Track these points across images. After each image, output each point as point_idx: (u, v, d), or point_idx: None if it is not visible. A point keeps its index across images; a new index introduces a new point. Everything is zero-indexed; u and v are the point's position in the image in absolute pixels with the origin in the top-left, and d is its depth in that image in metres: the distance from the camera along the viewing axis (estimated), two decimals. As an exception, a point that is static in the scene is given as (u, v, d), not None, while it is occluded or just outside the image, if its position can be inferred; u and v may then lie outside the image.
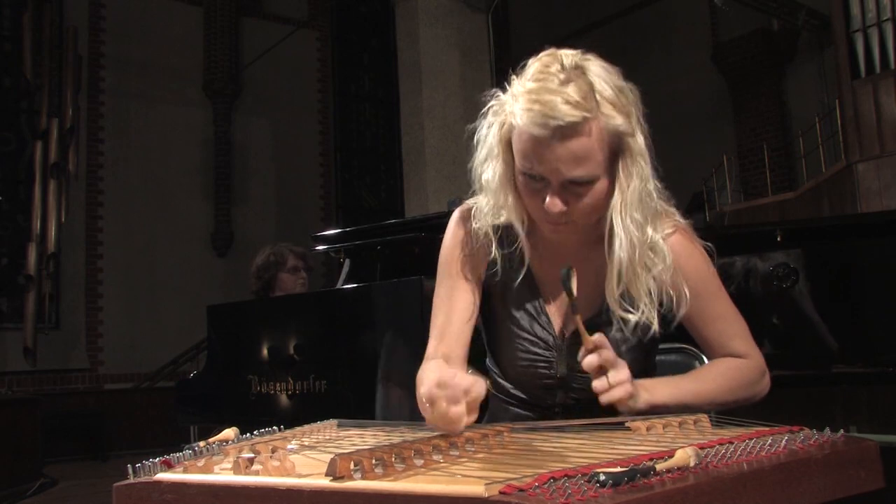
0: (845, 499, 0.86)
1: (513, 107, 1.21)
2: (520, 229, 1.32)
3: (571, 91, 1.16)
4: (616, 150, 1.22)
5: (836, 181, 7.20)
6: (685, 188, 9.06)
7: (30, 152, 8.76)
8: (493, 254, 1.37)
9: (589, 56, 1.23)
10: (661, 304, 1.29)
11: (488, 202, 1.34)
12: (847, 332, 2.46)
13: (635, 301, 1.27)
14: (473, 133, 1.33)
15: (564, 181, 1.20)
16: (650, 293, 1.26)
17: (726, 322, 1.33)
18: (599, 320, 1.31)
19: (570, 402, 1.34)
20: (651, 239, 1.26)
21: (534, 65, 1.23)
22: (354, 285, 2.97)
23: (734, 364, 1.32)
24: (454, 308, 1.39)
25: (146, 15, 9.89)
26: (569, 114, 1.14)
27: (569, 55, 1.22)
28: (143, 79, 9.82)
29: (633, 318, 1.26)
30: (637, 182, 1.22)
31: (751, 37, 10.02)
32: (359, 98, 12.07)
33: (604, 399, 1.13)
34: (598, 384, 1.13)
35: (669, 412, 1.18)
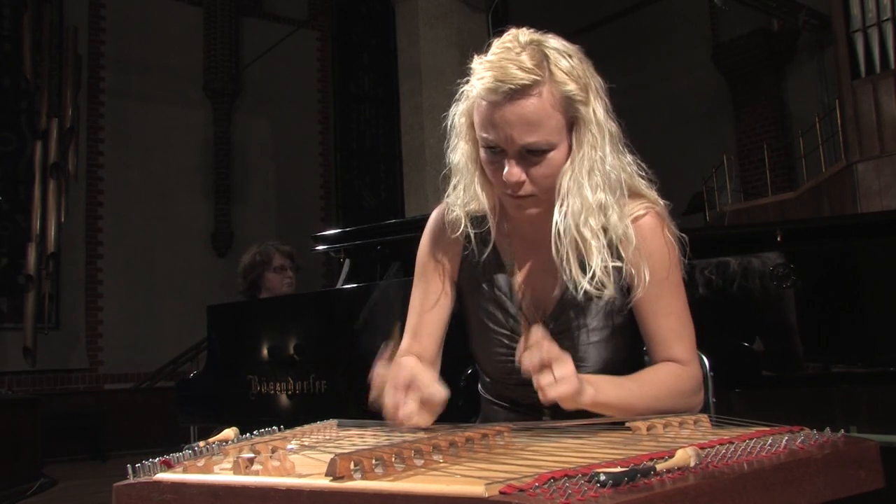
0: (845, 499, 0.86)
1: (472, 86, 1.24)
2: (489, 213, 1.32)
3: (524, 58, 1.19)
4: (571, 118, 1.22)
5: (836, 181, 7.20)
6: (685, 188, 9.06)
7: (30, 152, 8.75)
8: (468, 250, 1.37)
9: (549, 35, 1.26)
10: (618, 279, 1.26)
11: (457, 186, 1.34)
12: (847, 332, 2.46)
13: (584, 264, 1.24)
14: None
15: (520, 149, 1.20)
16: (598, 253, 1.23)
17: (677, 321, 1.29)
18: (564, 303, 1.30)
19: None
20: (599, 201, 1.23)
21: (493, 44, 1.26)
22: (354, 285, 2.97)
23: (675, 371, 1.27)
24: (426, 308, 1.40)
25: (146, 15, 9.89)
26: (519, 77, 1.17)
27: (526, 33, 1.25)
28: (143, 79, 9.82)
29: (584, 281, 1.23)
30: (588, 150, 1.22)
31: (751, 37, 10.02)
32: (359, 98, 12.08)
33: (549, 395, 1.07)
34: (542, 380, 1.08)
35: (612, 411, 1.16)
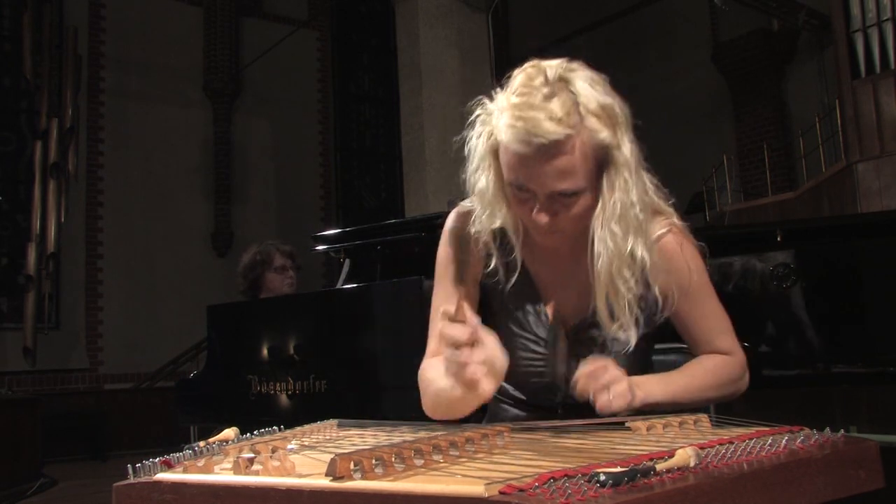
0: (845, 499, 0.86)
1: (498, 120, 1.22)
2: (513, 235, 1.33)
3: (555, 107, 1.16)
4: (601, 162, 1.22)
5: (836, 181, 7.20)
6: (685, 188, 9.05)
7: (30, 152, 8.75)
8: (490, 256, 1.38)
9: (574, 66, 1.22)
10: (645, 308, 1.31)
11: (484, 210, 1.34)
12: (847, 332, 2.46)
13: (615, 313, 1.28)
14: (464, 141, 1.33)
15: (551, 193, 1.21)
16: (628, 306, 1.27)
17: (714, 320, 1.38)
18: (589, 322, 1.35)
19: (571, 401, 1.33)
20: (631, 249, 1.25)
21: (518, 77, 1.23)
22: (354, 285, 2.97)
23: (720, 360, 1.36)
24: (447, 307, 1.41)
25: (146, 15, 9.89)
26: (552, 131, 1.15)
27: (553, 66, 1.21)
28: (143, 79, 9.82)
29: (613, 327, 1.29)
30: (619, 194, 1.23)
31: (751, 37, 10.02)
32: (359, 98, 12.08)
33: (606, 412, 1.15)
34: (601, 401, 1.15)
35: (662, 407, 1.24)
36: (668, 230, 1.34)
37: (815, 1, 8.92)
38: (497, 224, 1.34)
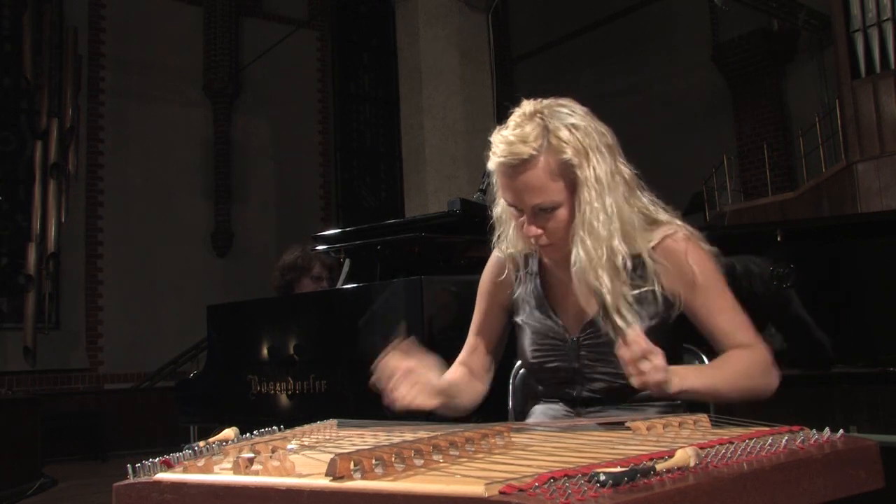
0: (845, 499, 0.86)
1: (491, 155, 1.45)
2: (526, 248, 1.57)
3: (525, 131, 1.40)
4: (571, 180, 1.41)
5: (836, 181, 7.20)
6: (685, 188, 9.05)
7: (30, 152, 8.75)
8: (518, 271, 1.62)
9: (563, 101, 1.45)
10: (646, 305, 1.46)
11: (500, 234, 1.60)
12: (847, 332, 2.46)
13: (606, 309, 1.37)
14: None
15: (533, 208, 1.43)
16: (615, 302, 1.36)
17: (731, 314, 1.46)
18: (596, 319, 1.47)
19: (588, 394, 1.50)
20: (607, 254, 1.41)
21: (513, 112, 1.47)
22: (354, 285, 2.97)
23: (746, 352, 1.43)
24: (477, 329, 1.69)
25: (146, 15, 9.89)
26: (520, 151, 1.39)
27: (534, 102, 1.45)
28: (143, 79, 9.82)
29: (621, 323, 1.36)
30: (586, 207, 1.41)
31: (751, 37, 10.01)
32: (359, 98, 12.07)
33: (644, 380, 1.23)
34: (642, 366, 1.23)
35: (699, 397, 1.34)
36: (670, 235, 1.47)
37: (815, 1, 8.91)
38: (520, 245, 1.57)
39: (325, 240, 3.24)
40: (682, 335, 1.53)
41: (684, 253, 1.46)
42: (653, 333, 1.41)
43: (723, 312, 1.45)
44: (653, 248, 1.46)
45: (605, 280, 1.39)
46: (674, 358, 1.49)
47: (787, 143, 9.78)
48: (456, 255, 2.86)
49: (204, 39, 10.30)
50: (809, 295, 2.44)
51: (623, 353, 1.25)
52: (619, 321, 1.31)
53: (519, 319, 1.60)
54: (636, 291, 1.44)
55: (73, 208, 8.87)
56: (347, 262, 3.12)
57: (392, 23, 6.77)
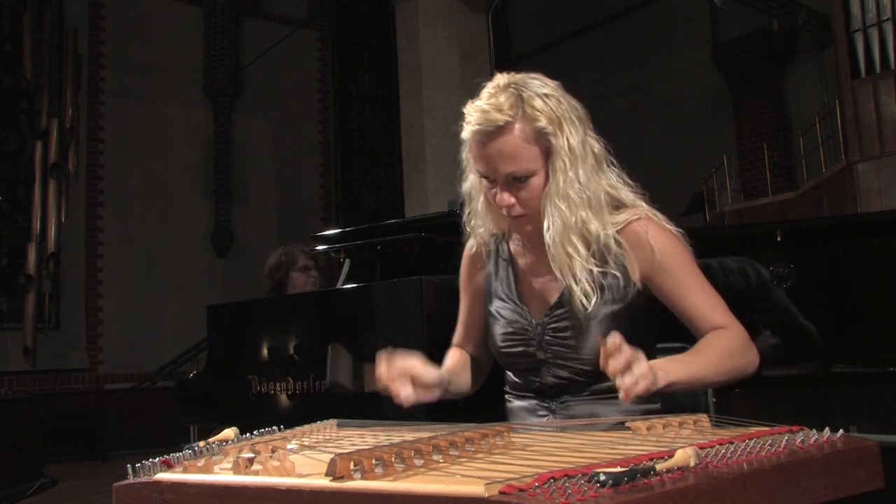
0: (845, 499, 0.86)
1: (464, 126, 1.45)
2: (495, 227, 1.55)
3: (500, 100, 1.40)
4: (545, 148, 1.41)
5: (836, 181, 7.20)
6: (685, 188, 9.05)
7: (30, 152, 8.75)
8: (489, 255, 1.60)
9: (531, 75, 1.45)
10: (609, 280, 1.44)
11: (470, 211, 1.57)
12: (847, 332, 2.46)
13: (575, 276, 1.42)
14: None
15: (505, 177, 1.42)
16: (585, 271, 1.42)
17: (703, 294, 1.45)
18: (564, 298, 1.47)
19: (554, 380, 1.48)
20: (580, 222, 1.42)
21: (485, 87, 1.46)
22: (354, 285, 2.97)
23: (723, 333, 1.42)
24: (463, 317, 1.70)
25: (146, 15, 9.89)
26: (495, 119, 1.39)
27: (506, 77, 1.45)
28: (143, 79, 9.82)
29: (576, 290, 1.42)
30: (560, 175, 1.41)
31: (751, 37, 10.01)
32: (359, 98, 12.07)
33: (632, 394, 1.18)
34: (627, 381, 1.18)
35: (685, 386, 1.31)
36: (635, 219, 1.47)
37: (815, 1, 8.91)
38: (489, 224, 1.55)
39: (325, 240, 3.24)
40: (651, 321, 1.51)
41: (646, 235, 1.45)
42: (617, 319, 1.44)
43: (694, 292, 1.44)
44: (617, 231, 1.46)
45: (580, 247, 1.41)
46: (642, 344, 1.45)
47: (787, 143, 9.78)
48: (456, 255, 2.86)
49: (204, 39, 10.30)
50: (809, 295, 2.44)
51: (609, 366, 1.21)
52: (582, 295, 1.37)
53: (492, 309, 1.58)
54: (599, 270, 1.44)
55: (73, 208, 8.87)
56: (347, 262, 3.12)
57: (392, 23, 6.77)
